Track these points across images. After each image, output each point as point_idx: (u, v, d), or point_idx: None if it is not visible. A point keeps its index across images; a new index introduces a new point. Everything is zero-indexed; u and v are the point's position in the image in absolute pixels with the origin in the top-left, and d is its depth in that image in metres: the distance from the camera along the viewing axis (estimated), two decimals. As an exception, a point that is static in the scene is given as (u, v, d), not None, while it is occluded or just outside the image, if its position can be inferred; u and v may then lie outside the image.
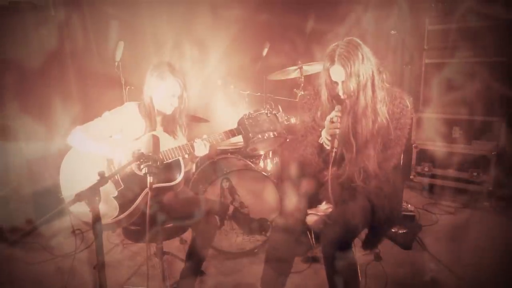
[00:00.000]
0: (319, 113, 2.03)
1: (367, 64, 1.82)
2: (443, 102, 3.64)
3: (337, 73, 1.85)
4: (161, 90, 2.16)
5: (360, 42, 1.86)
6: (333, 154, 1.88)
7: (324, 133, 1.94)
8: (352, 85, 1.83)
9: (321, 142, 1.99)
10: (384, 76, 1.93)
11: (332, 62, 1.84)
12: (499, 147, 3.44)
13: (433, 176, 3.79)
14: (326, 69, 1.89)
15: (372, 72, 1.85)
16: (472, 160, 3.56)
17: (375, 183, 1.95)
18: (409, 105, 1.91)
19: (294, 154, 2.17)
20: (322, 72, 1.94)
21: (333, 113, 1.88)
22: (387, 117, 1.89)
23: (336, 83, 1.89)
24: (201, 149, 2.21)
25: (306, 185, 2.16)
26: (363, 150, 1.90)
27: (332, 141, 1.88)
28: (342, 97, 1.90)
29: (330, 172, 1.90)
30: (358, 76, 1.81)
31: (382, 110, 1.88)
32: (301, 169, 2.16)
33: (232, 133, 2.30)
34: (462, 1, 3.50)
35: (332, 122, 1.87)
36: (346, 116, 1.89)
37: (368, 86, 1.84)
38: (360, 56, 1.80)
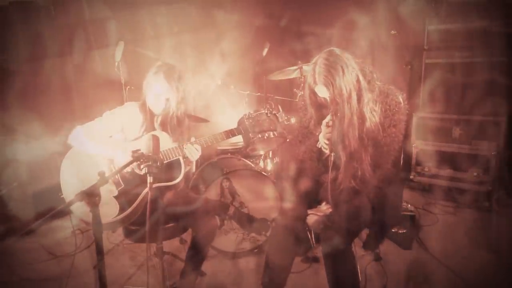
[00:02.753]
0: (312, 120, 2.03)
1: (348, 75, 1.79)
2: (443, 102, 3.64)
3: (322, 91, 1.85)
4: (151, 89, 2.18)
5: (338, 52, 1.82)
6: (332, 158, 1.87)
7: (321, 138, 1.94)
8: (337, 99, 1.81)
9: (319, 147, 1.99)
10: (374, 75, 1.91)
11: (315, 82, 1.83)
12: (499, 147, 3.43)
13: (433, 176, 3.79)
14: (310, 87, 1.88)
15: (357, 77, 1.82)
16: (472, 160, 3.56)
17: (374, 183, 1.94)
18: (401, 101, 1.90)
19: (293, 158, 2.17)
20: (306, 87, 1.92)
21: (328, 117, 1.88)
22: (376, 118, 1.87)
23: (323, 98, 1.89)
24: (193, 154, 2.18)
25: (306, 186, 2.16)
26: (354, 156, 1.90)
27: (330, 145, 1.88)
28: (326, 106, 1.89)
29: (330, 175, 1.89)
30: (341, 90, 1.78)
31: (374, 111, 1.87)
32: (301, 170, 2.16)
33: (232, 132, 2.30)
34: (462, 1, 3.50)
35: (328, 126, 1.86)
36: (335, 125, 1.88)
37: (353, 96, 1.81)
38: (340, 69, 1.77)
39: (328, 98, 1.86)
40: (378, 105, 1.89)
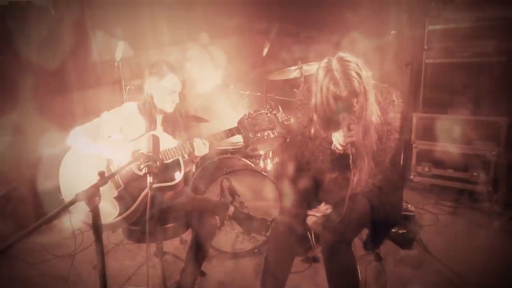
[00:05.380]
0: (317, 119, 1.97)
1: (363, 74, 1.77)
2: (443, 102, 3.64)
3: (345, 95, 1.77)
4: (162, 88, 2.17)
5: (346, 54, 1.80)
6: (351, 158, 1.83)
7: (338, 140, 1.88)
8: (363, 99, 1.78)
9: (333, 148, 1.95)
10: (369, 73, 1.90)
11: (344, 89, 1.74)
12: (499, 147, 3.43)
13: (433, 176, 3.79)
14: (335, 95, 1.78)
15: (369, 77, 1.81)
16: (472, 160, 3.56)
17: (373, 182, 1.94)
18: (395, 99, 1.90)
19: (298, 159, 2.14)
20: (326, 95, 1.80)
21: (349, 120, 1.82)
22: (380, 114, 1.88)
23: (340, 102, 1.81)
24: (201, 149, 2.20)
25: (306, 186, 2.16)
26: (371, 155, 1.89)
27: (345, 147, 1.84)
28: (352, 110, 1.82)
29: (352, 176, 1.85)
30: (365, 90, 1.77)
31: (374, 106, 1.86)
32: (306, 170, 2.15)
33: (232, 132, 2.30)
34: (462, 1, 3.50)
35: (350, 129, 1.81)
36: (357, 127, 1.84)
37: (369, 94, 1.81)
38: (359, 70, 1.75)
39: (346, 101, 1.80)
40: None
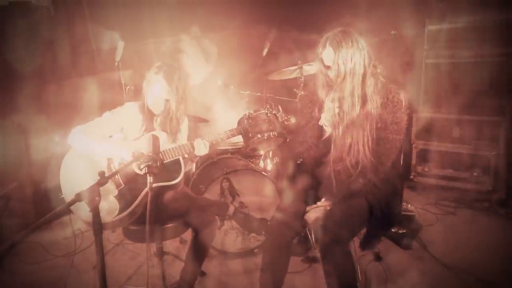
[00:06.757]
0: (316, 109, 2.07)
1: (356, 49, 1.86)
2: (443, 102, 3.64)
3: (328, 56, 1.90)
4: (151, 89, 2.19)
5: (354, 32, 1.91)
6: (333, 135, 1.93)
7: (324, 115, 1.98)
8: (342, 66, 1.87)
9: (321, 124, 2.03)
10: (379, 70, 1.95)
11: (324, 46, 1.91)
12: (499, 147, 3.43)
13: (433, 176, 3.79)
14: (319, 56, 1.95)
15: (364, 59, 1.88)
16: (472, 160, 3.56)
17: (372, 181, 1.94)
18: (403, 100, 1.92)
19: (295, 143, 2.18)
20: (316, 60, 1.99)
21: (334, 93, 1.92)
22: (378, 106, 1.90)
23: (329, 67, 1.92)
24: (201, 149, 2.21)
25: (304, 182, 2.16)
26: (350, 130, 1.91)
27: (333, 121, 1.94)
28: (332, 79, 1.94)
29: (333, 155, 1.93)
30: (347, 58, 1.85)
31: (374, 98, 1.90)
32: (299, 165, 2.16)
33: (232, 133, 2.31)
34: (462, 1, 3.50)
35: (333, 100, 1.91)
36: (337, 97, 1.93)
37: (358, 70, 1.87)
38: (350, 42, 1.86)
39: (332, 66, 1.90)
40: (381, 99, 1.91)
